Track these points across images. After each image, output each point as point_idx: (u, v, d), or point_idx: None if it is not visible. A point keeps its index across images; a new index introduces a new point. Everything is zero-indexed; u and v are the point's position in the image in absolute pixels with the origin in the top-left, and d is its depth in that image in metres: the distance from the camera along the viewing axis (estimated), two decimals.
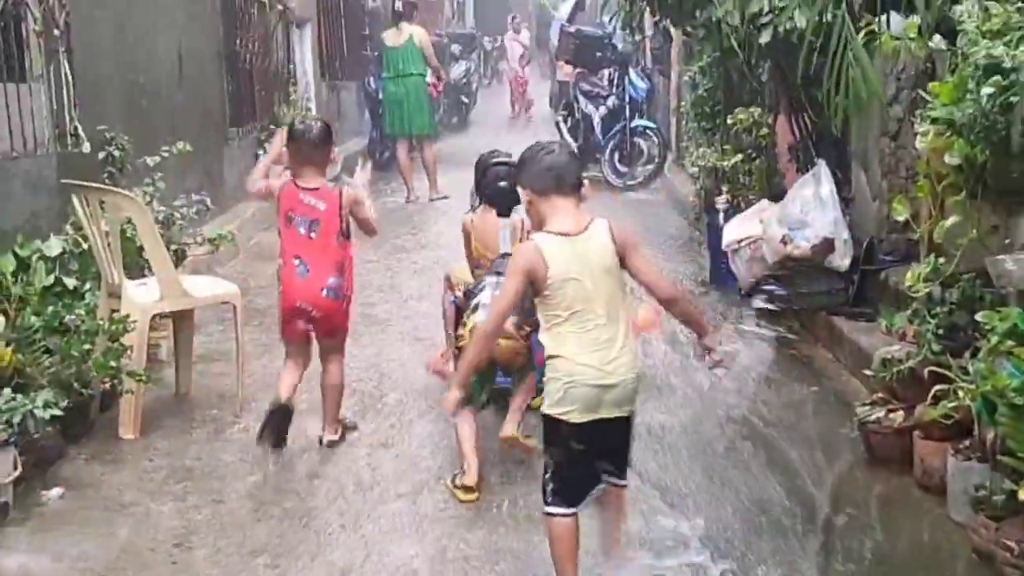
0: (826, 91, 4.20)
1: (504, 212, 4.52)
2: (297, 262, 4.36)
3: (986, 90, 3.59)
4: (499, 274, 4.06)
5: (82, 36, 6.07)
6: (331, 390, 4.56)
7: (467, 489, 4.04)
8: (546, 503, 3.23)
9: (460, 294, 4.78)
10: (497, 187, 4.56)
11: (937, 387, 3.85)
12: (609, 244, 3.15)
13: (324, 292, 4.35)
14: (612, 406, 3.15)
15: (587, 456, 3.18)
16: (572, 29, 14.24)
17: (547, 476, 3.23)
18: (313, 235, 4.34)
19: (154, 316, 4.85)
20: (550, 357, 3.18)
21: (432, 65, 11.52)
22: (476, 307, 4.25)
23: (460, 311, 4.63)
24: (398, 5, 11.61)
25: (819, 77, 4.79)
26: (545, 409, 3.21)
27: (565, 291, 3.08)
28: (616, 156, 12.11)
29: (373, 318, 6.47)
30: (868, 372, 4.46)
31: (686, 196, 9.43)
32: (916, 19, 4.38)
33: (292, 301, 4.41)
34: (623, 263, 3.18)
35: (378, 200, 11.12)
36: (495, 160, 4.72)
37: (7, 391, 3.98)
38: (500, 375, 4.47)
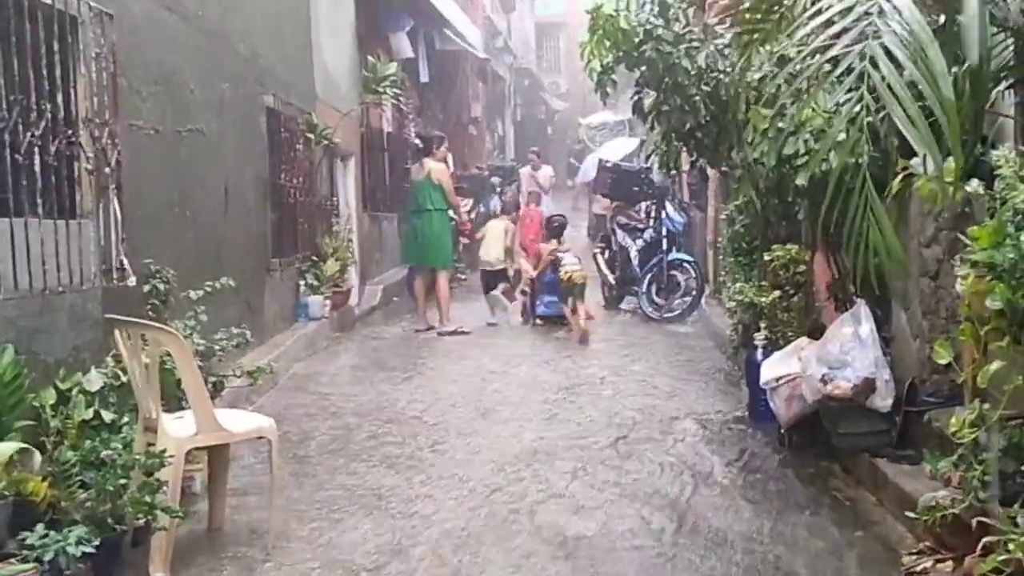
0: (852, 247, 4.11)
1: (558, 239, 11.73)
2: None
3: None
4: (566, 251, 11.42)
5: (132, 173, 6.24)
6: None
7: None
8: (486, 294, 12.15)
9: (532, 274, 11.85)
10: (555, 227, 11.87)
11: (986, 538, 3.73)
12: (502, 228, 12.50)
13: None
14: (488, 265, 12.24)
15: (487, 279, 12.23)
16: (609, 164, 14.51)
17: (484, 288, 12.27)
18: None
19: (189, 450, 4.85)
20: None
21: (450, 202, 11.80)
22: (564, 263, 10.92)
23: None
24: (418, 141, 11.92)
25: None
26: (480, 267, 12.58)
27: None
28: (653, 288, 12.19)
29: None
30: (913, 517, 4.34)
31: (723, 330, 9.41)
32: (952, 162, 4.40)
33: None
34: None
35: (398, 326, 11.28)
36: (553, 215, 12.63)
37: (40, 527, 3.97)
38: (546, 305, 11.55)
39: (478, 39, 23.05)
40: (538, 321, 11.56)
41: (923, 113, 3.51)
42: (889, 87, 3.42)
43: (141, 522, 4.59)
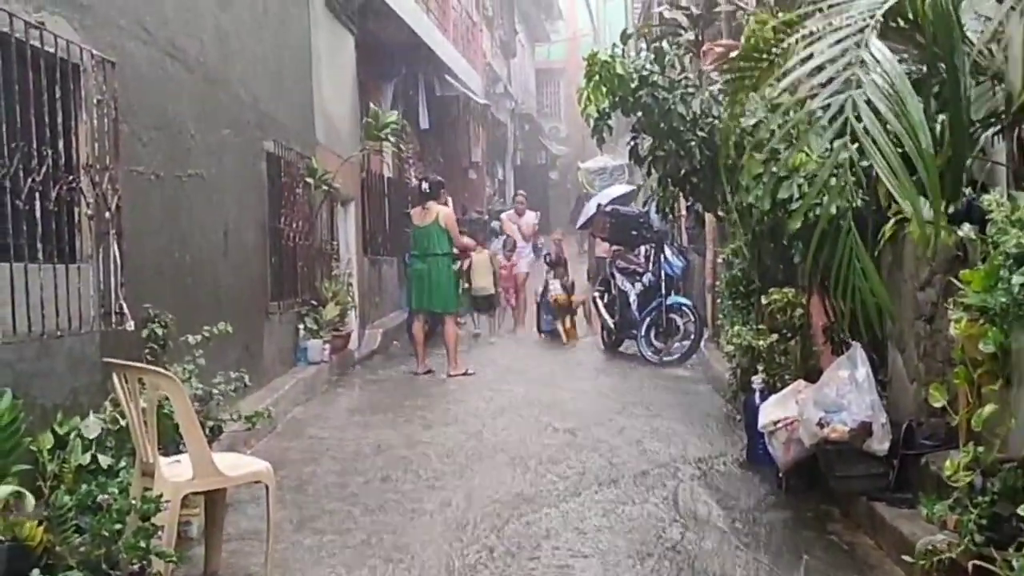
0: (839, 291, 4.12)
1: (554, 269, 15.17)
2: None
3: (1017, 279, 3.62)
4: (555, 278, 14.88)
5: (132, 217, 6.29)
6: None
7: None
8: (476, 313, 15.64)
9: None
10: (552, 261, 15.36)
11: None
12: (487, 257, 15.35)
13: None
14: (480, 291, 14.84)
15: (477, 305, 15.25)
16: (609, 208, 14.58)
17: (475, 309, 15.45)
18: None
19: (186, 494, 4.84)
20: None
21: (458, 244, 11.84)
22: (550, 289, 14.71)
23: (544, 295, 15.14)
24: (425, 185, 11.91)
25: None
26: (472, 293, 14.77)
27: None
28: (652, 332, 12.20)
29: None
30: (910, 561, 4.32)
31: (722, 373, 9.41)
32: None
33: None
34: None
35: (398, 369, 11.29)
36: (551, 252, 16.15)
37: (36, 572, 3.95)
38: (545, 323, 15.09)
39: (479, 85, 23.27)
40: (541, 335, 15.14)
41: (907, 159, 3.56)
42: (871, 137, 3.47)
43: (136, 567, 4.57)
